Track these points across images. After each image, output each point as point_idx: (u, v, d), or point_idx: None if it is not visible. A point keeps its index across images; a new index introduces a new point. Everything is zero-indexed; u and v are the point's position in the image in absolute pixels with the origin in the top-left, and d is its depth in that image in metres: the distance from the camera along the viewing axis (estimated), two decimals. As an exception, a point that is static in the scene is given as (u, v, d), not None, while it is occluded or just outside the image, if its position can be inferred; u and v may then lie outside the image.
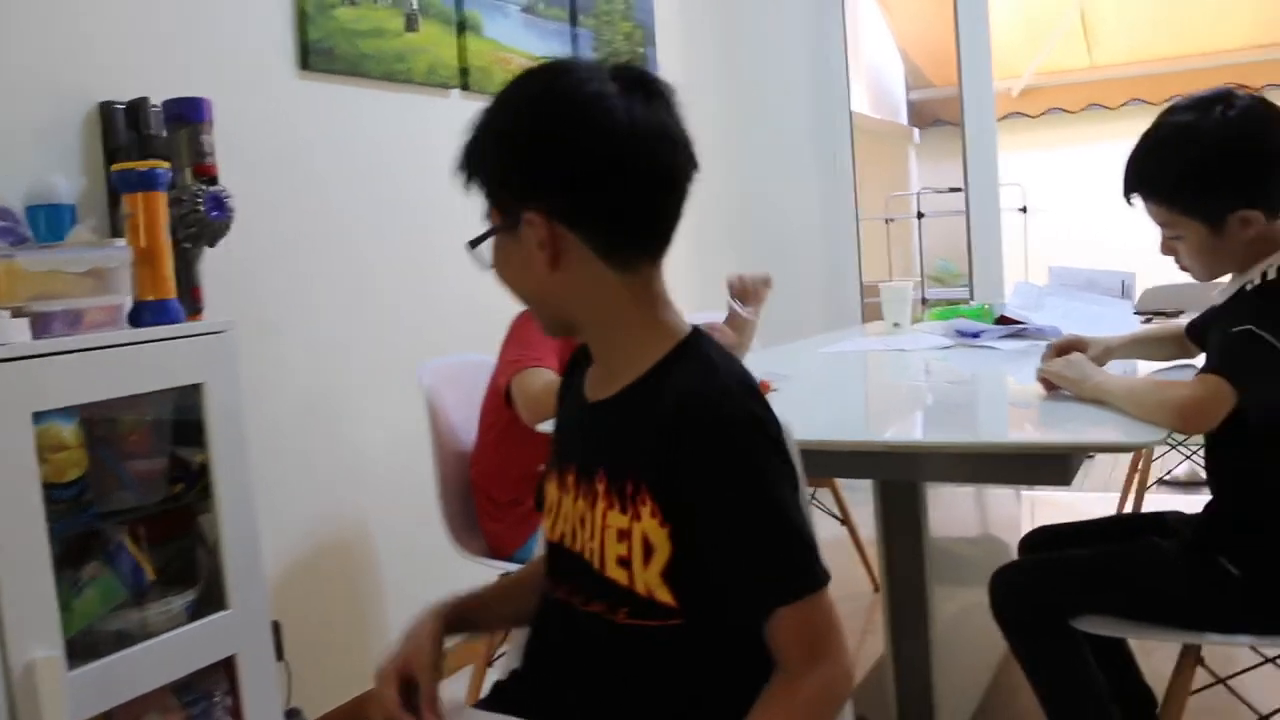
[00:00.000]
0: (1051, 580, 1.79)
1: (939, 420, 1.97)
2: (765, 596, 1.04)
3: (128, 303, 1.71)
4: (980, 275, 4.05)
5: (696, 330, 1.16)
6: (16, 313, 1.53)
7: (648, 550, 1.07)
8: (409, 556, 2.72)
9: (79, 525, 1.63)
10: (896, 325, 3.01)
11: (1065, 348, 1.93)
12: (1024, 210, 4.14)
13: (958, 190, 4.09)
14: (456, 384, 2.46)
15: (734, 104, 4.40)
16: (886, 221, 4.43)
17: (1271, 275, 1.66)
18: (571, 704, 1.16)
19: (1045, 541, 2.01)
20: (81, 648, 1.62)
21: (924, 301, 4.06)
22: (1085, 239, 5.44)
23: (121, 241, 1.72)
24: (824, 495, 3.23)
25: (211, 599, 1.82)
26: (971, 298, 3.97)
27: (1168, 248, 1.78)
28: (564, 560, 1.17)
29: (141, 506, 1.74)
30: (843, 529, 3.24)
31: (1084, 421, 1.69)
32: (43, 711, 1.50)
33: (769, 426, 1.08)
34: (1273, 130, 1.66)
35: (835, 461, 1.74)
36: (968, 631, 2.36)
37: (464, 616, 1.26)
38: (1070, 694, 1.81)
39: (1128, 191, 1.76)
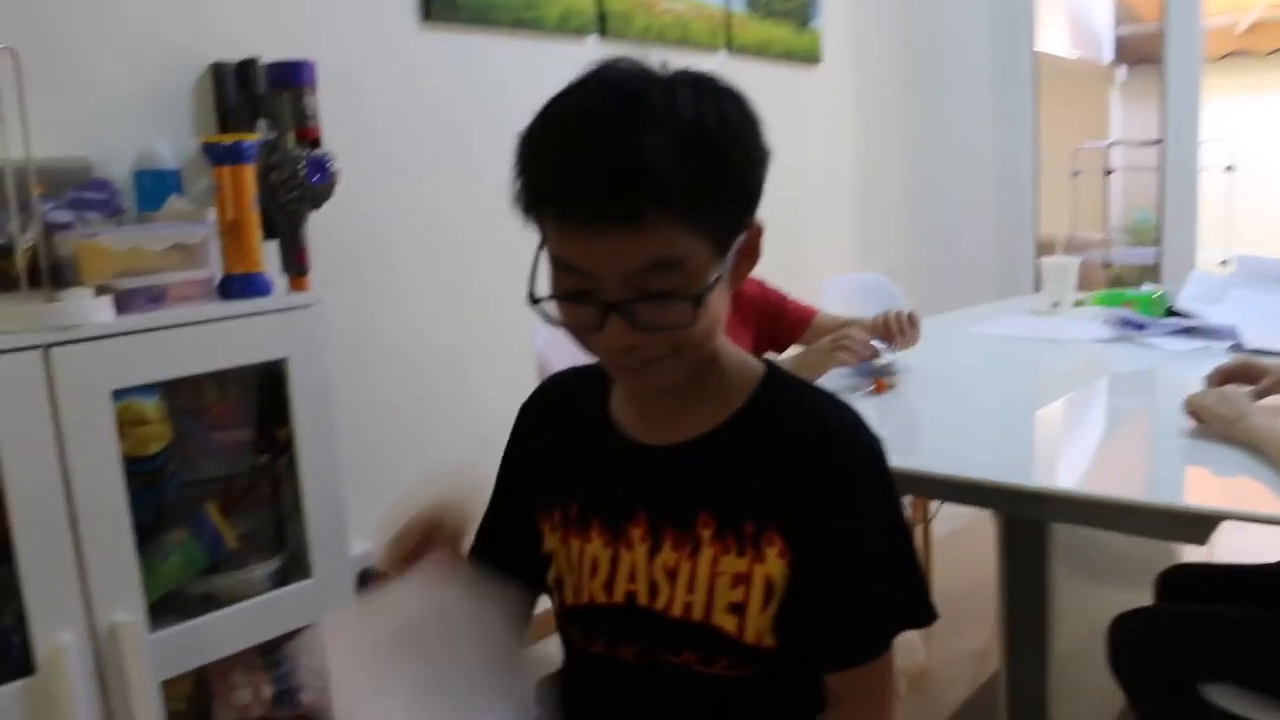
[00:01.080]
0: (1184, 636, 1.59)
1: (1068, 456, 1.72)
2: (887, 627, 1.02)
3: (216, 276, 1.72)
4: (1170, 242, 3.68)
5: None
6: (100, 290, 1.56)
7: (768, 593, 1.00)
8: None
9: (162, 495, 1.67)
10: (1056, 305, 2.78)
11: (1231, 374, 1.69)
12: (1230, 169, 3.69)
13: (1158, 143, 3.71)
14: (569, 349, 2.40)
15: (904, 41, 4.12)
16: (1073, 175, 4.07)
17: None
18: None
19: (1185, 582, 1.81)
20: (167, 611, 1.68)
21: (1106, 266, 3.74)
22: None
23: (210, 215, 1.73)
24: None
25: (296, 568, 1.85)
26: (1159, 265, 3.63)
27: None
28: (629, 619, 1.05)
29: (226, 476, 1.78)
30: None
31: (1232, 468, 1.47)
32: (127, 671, 1.56)
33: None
34: None
35: (943, 487, 1.58)
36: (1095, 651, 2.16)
37: None
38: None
39: None
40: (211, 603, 1.73)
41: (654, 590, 1.03)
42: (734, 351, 1.07)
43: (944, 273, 3.79)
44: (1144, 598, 1.97)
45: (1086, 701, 2.20)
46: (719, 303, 0.97)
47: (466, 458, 2.65)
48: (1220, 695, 1.52)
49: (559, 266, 0.93)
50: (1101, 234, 4.00)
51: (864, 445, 1.01)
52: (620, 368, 0.98)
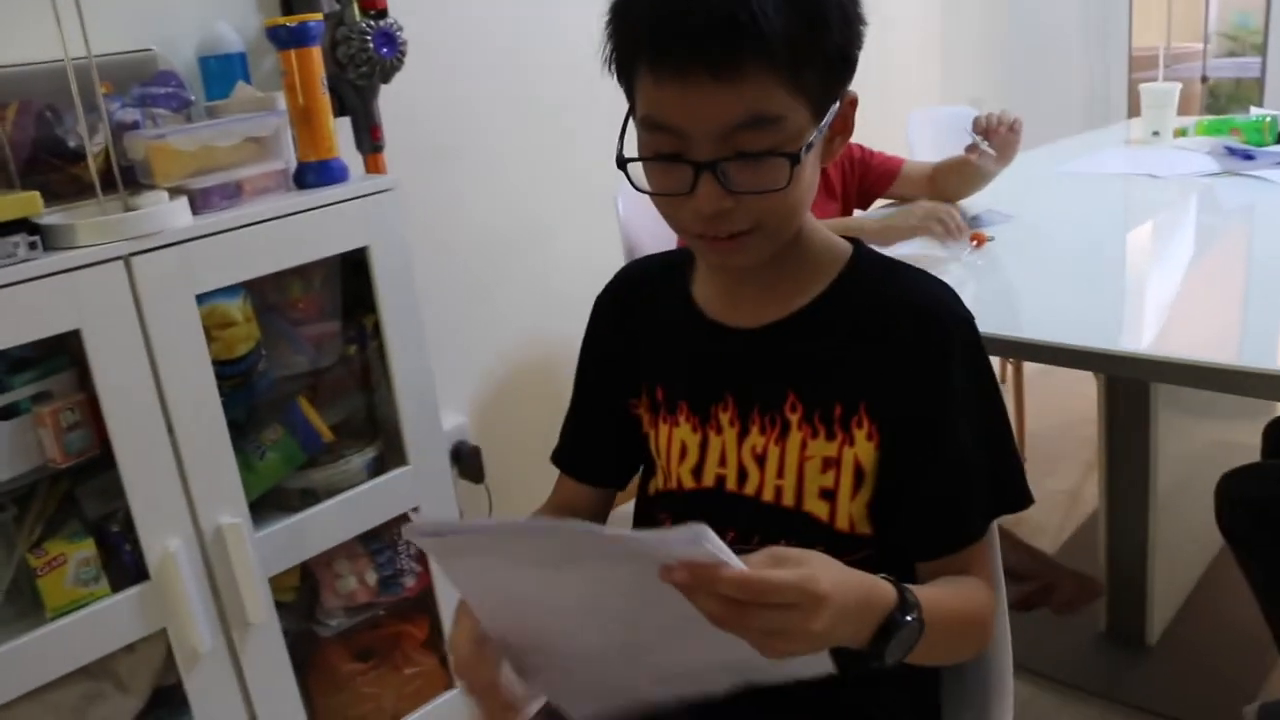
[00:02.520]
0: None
1: (1171, 314, 1.63)
2: (981, 512, 1.00)
3: (292, 164, 1.66)
4: (1276, 50, 3.43)
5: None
6: (175, 192, 1.50)
7: (858, 478, 0.98)
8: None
9: (254, 394, 1.65)
10: (1156, 134, 2.62)
11: None
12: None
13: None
14: (653, 214, 2.33)
15: None
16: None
17: None
18: None
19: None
20: (269, 508, 1.69)
21: (1204, 80, 3.50)
22: None
23: (280, 101, 1.65)
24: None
25: (392, 455, 1.84)
26: (1264, 76, 3.40)
27: None
28: (721, 505, 1.03)
29: (316, 370, 1.75)
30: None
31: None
32: (235, 570, 1.58)
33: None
34: None
35: (1042, 352, 1.51)
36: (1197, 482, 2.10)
37: None
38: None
39: None
40: (311, 497, 1.73)
41: (743, 475, 1.02)
42: (820, 231, 1.04)
43: (1034, 98, 3.59)
44: (1245, 433, 1.92)
45: (1186, 539, 2.18)
46: (812, 173, 0.92)
47: (549, 326, 2.62)
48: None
49: (650, 127, 0.89)
50: (1200, 44, 3.74)
51: (957, 323, 0.98)
52: (706, 240, 0.93)
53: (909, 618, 0.83)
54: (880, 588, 0.84)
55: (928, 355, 0.96)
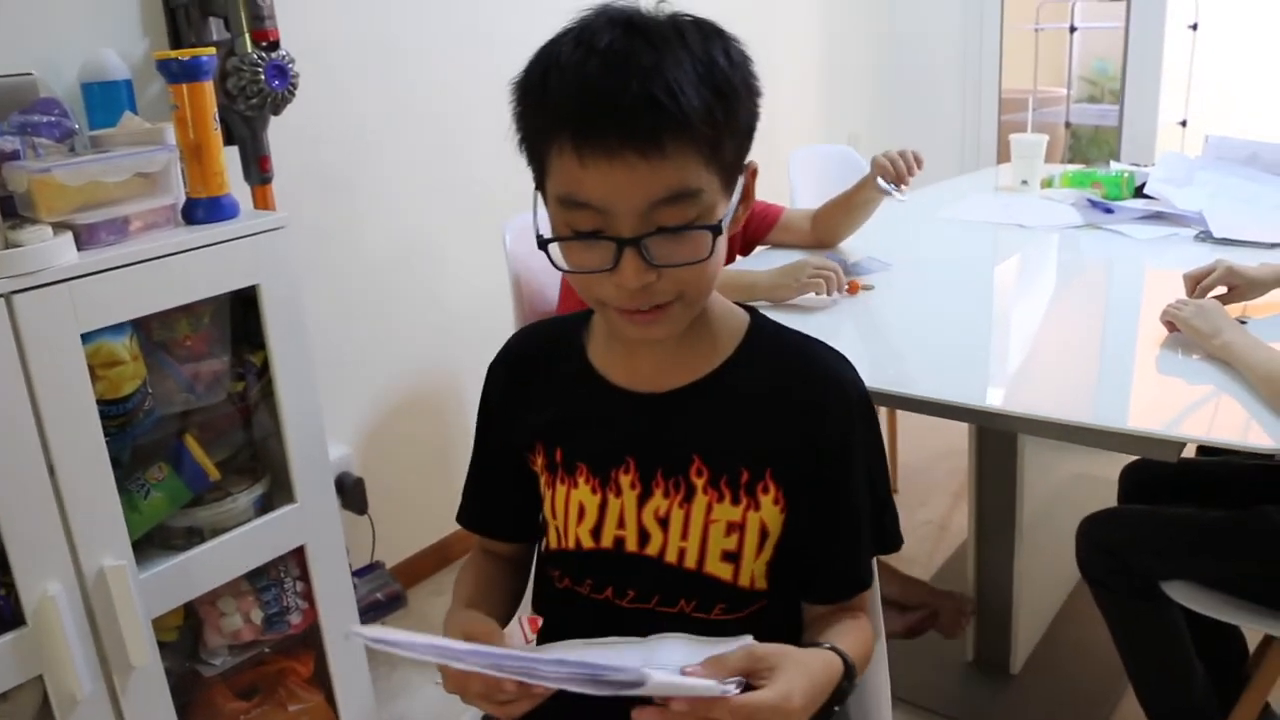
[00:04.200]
0: (1147, 541, 1.66)
1: (1039, 371, 1.70)
2: (873, 554, 1.09)
3: (180, 200, 1.63)
4: (1132, 100, 3.64)
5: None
6: (59, 228, 1.46)
7: (763, 540, 1.03)
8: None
9: (139, 433, 1.62)
10: (1025, 183, 2.76)
11: (1210, 281, 1.72)
12: (1194, 28, 3.62)
13: (1122, -1, 3.62)
14: (538, 254, 2.35)
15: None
16: (1035, 31, 3.98)
17: None
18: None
19: (1148, 480, 1.87)
20: (153, 547, 1.66)
21: (1067, 126, 3.69)
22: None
23: (169, 134, 1.62)
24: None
25: (279, 492, 1.82)
26: (1121, 124, 3.60)
27: None
28: (620, 565, 1.06)
29: (203, 409, 1.72)
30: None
31: (1211, 383, 1.50)
32: (118, 613, 1.54)
33: None
34: None
35: (915, 404, 1.58)
36: (1060, 514, 2.21)
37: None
38: (1153, 657, 1.72)
39: None
40: (197, 535, 1.71)
41: (645, 537, 1.05)
42: (720, 301, 1.08)
43: (911, 137, 3.73)
44: (1104, 468, 2.03)
45: (1048, 569, 2.29)
46: (724, 242, 0.96)
47: (437, 354, 2.62)
48: (1177, 591, 1.60)
49: (570, 205, 0.90)
50: (1064, 89, 3.94)
51: (856, 392, 1.04)
52: (626, 314, 0.96)
53: (854, 681, 0.94)
54: (834, 666, 0.94)
55: (832, 423, 1.02)
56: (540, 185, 0.95)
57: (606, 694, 0.77)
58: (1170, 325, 1.66)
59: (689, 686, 0.82)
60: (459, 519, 1.21)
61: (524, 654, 0.87)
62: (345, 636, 1.89)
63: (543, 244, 0.94)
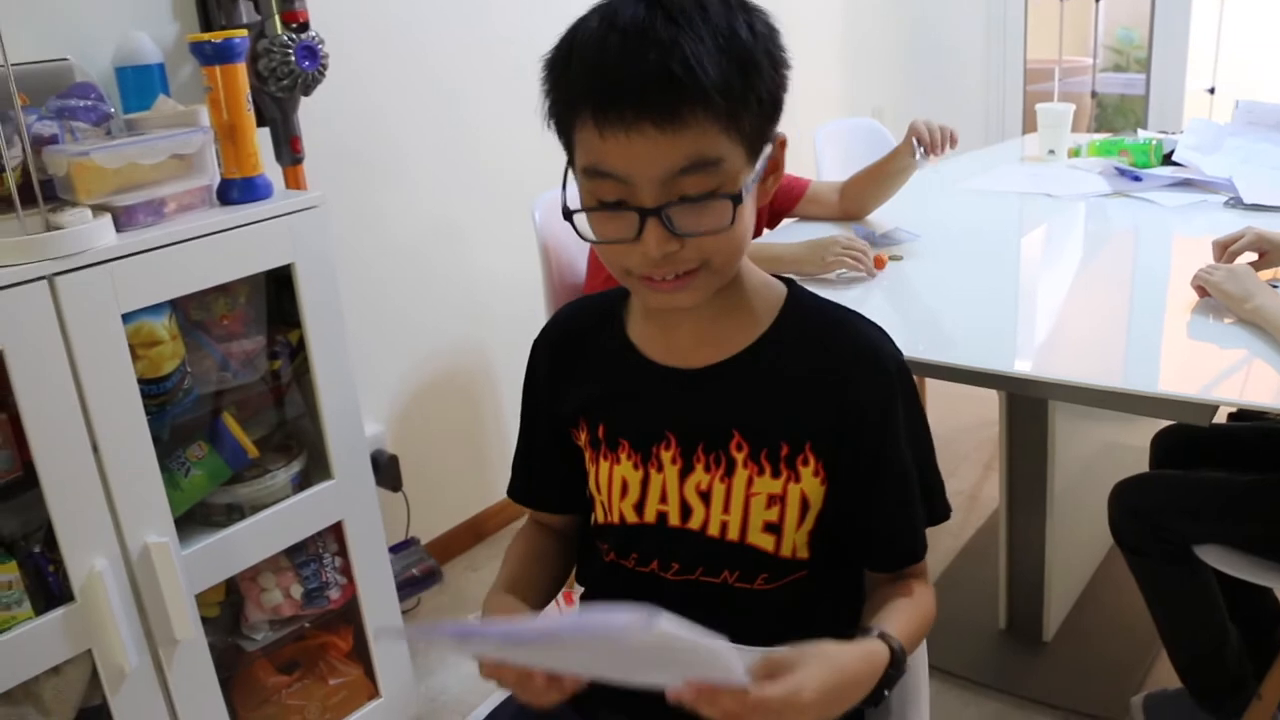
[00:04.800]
0: (1179, 505, 1.66)
1: (1070, 336, 1.72)
2: (924, 524, 1.08)
3: (215, 181, 1.65)
4: (1159, 69, 3.60)
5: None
6: (98, 209, 1.49)
7: (804, 511, 1.04)
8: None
9: (179, 412, 1.64)
10: (1052, 153, 2.75)
11: (1240, 246, 1.71)
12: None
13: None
14: (568, 229, 2.36)
15: None
16: (1060, 0, 3.94)
17: None
18: None
19: (1180, 445, 1.86)
20: (195, 524, 1.70)
21: (1093, 95, 3.66)
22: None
23: (203, 115, 1.64)
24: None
25: (316, 469, 1.85)
26: (1148, 92, 3.57)
27: None
28: (663, 539, 1.08)
29: (240, 387, 1.75)
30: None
31: (1243, 347, 1.50)
32: (162, 588, 1.57)
33: None
34: None
35: (946, 372, 1.60)
36: (1091, 482, 2.22)
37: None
38: (1186, 621, 1.72)
39: None
40: (237, 512, 1.73)
41: (686, 511, 1.06)
42: (756, 273, 1.09)
43: (935, 109, 3.72)
44: (1135, 436, 2.03)
45: (1080, 537, 2.30)
46: (751, 212, 0.97)
47: (466, 332, 2.64)
48: (1210, 555, 1.60)
49: (594, 176, 0.92)
50: (1089, 59, 3.90)
51: (897, 364, 1.05)
52: (652, 284, 0.97)
53: (901, 669, 0.95)
54: (877, 656, 0.94)
55: (875, 397, 1.03)
56: (570, 159, 0.96)
57: (635, 681, 0.81)
58: (1201, 290, 1.66)
59: (698, 645, 0.79)
60: (509, 493, 1.23)
61: (533, 626, 0.89)
62: (375, 637, 1.93)
63: (568, 215, 0.96)
